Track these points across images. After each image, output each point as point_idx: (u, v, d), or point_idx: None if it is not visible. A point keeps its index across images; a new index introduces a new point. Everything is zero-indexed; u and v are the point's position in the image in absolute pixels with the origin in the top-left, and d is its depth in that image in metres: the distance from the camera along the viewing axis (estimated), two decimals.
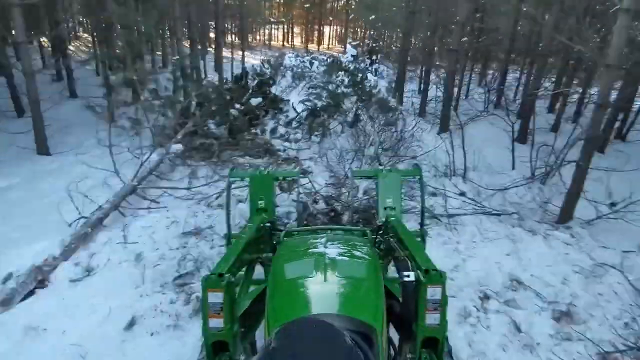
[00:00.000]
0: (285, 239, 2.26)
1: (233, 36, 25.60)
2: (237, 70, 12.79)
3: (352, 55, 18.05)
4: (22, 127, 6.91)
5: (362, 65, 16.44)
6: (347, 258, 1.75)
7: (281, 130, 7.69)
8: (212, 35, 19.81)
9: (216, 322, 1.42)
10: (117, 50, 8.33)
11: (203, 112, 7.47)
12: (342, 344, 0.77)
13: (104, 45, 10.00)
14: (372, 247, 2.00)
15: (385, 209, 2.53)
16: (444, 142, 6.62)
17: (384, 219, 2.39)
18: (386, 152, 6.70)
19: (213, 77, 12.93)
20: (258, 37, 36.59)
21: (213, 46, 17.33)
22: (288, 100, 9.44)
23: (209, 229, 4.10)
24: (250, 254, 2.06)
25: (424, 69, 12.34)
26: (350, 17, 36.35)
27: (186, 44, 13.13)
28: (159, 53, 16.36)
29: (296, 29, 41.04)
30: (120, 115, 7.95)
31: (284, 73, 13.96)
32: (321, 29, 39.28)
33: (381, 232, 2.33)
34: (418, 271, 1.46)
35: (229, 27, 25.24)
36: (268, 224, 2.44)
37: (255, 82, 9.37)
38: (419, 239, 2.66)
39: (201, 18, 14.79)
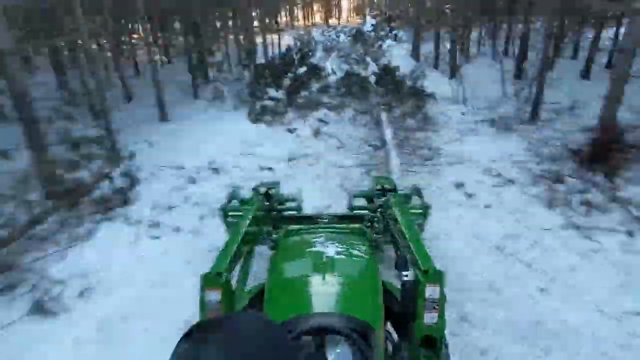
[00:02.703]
0: (284, 237, 2.24)
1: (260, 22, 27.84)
2: (275, 50, 15.24)
3: (372, 25, 19.99)
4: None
5: (382, 32, 18.41)
6: (345, 257, 1.78)
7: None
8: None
9: None
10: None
11: (262, 82, 9.98)
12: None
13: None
14: (371, 246, 2.04)
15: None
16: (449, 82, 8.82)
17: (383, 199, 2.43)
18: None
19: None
20: (281, 19, 38.60)
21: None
22: (324, 68, 11.80)
23: None
24: (250, 238, 2.07)
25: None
26: None
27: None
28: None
29: (315, 6, 42.75)
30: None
31: (316, 47, 16.25)
32: (339, 2, 40.82)
33: (380, 209, 2.38)
34: (417, 270, 1.46)
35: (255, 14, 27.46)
36: (267, 203, 2.42)
37: (298, 56, 11.78)
38: (419, 221, 2.65)
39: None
